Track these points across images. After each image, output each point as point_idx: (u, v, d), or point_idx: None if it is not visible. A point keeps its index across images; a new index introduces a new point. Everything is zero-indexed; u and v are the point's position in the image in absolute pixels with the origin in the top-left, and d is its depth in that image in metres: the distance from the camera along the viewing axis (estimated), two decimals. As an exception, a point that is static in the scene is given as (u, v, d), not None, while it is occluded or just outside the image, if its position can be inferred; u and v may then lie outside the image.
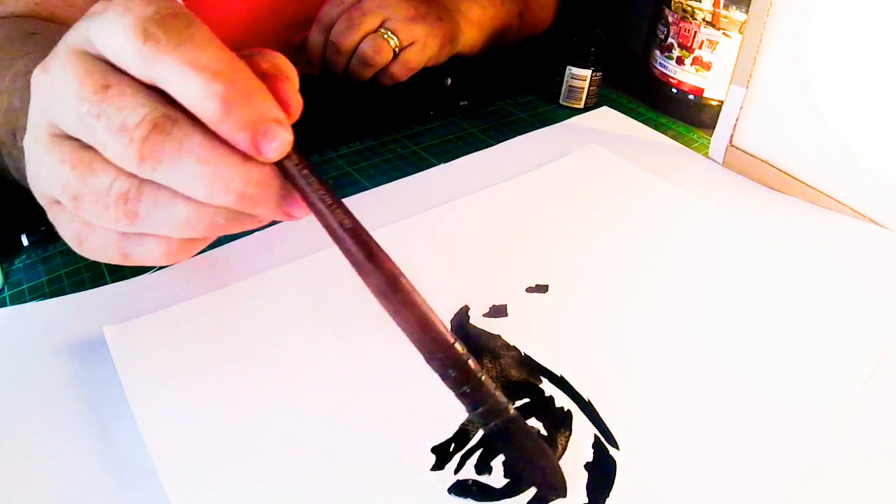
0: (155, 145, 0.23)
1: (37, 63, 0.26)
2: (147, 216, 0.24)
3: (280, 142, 0.24)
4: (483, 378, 0.27)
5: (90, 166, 0.24)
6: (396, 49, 0.54)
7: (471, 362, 0.27)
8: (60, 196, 0.25)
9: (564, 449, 0.32)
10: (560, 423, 0.33)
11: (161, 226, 0.25)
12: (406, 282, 0.27)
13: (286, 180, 0.25)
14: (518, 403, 0.34)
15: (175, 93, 0.23)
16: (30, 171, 0.27)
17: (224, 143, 0.23)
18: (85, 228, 0.26)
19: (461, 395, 0.27)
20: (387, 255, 0.27)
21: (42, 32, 0.45)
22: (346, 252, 0.26)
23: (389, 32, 0.54)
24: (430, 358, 0.27)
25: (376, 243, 0.27)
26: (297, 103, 0.25)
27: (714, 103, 0.62)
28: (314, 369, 0.35)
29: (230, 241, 0.45)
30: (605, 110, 0.65)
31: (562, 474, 0.30)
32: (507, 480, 0.31)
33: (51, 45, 0.26)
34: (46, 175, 0.25)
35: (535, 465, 0.30)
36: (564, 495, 0.30)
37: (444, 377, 0.27)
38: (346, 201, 0.50)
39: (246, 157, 0.24)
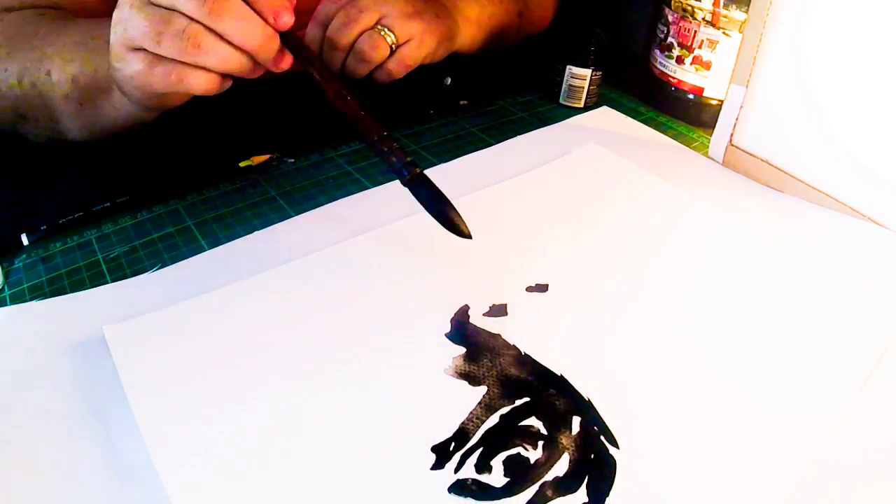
0: (218, 4, 0.38)
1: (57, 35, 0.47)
2: (205, 49, 0.38)
3: (284, 20, 0.40)
4: (401, 147, 0.42)
5: (173, 16, 0.38)
6: (393, 46, 0.54)
7: (395, 144, 0.42)
8: (146, 37, 0.38)
9: (564, 448, 0.32)
10: (560, 421, 0.33)
11: (210, 58, 0.39)
12: (350, 96, 0.43)
13: (284, 45, 0.41)
14: (518, 402, 0.34)
15: None
16: (118, 29, 0.39)
17: (256, 12, 0.39)
18: (156, 63, 0.39)
19: (389, 161, 0.42)
20: (348, 93, 0.42)
21: (50, 13, 0.54)
22: (316, 78, 0.42)
23: (386, 29, 0.54)
24: (370, 136, 0.42)
25: (338, 76, 0.45)
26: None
27: (714, 103, 0.62)
28: (314, 368, 0.35)
29: (230, 241, 0.45)
30: (604, 110, 0.65)
31: (459, 214, 0.41)
32: (507, 480, 0.31)
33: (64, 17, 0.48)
34: (137, 25, 0.38)
35: (441, 205, 0.41)
36: (468, 233, 0.40)
37: (379, 151, 0.42)
38: (347, 201, 0.50)
39: (265, 23, 0.39)
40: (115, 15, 0.40)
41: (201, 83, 0.40)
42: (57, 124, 0.51)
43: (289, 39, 0.41)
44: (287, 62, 0.42)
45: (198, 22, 0.38)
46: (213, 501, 0.29)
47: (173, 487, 0.29)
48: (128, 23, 0.39)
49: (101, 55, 0.45)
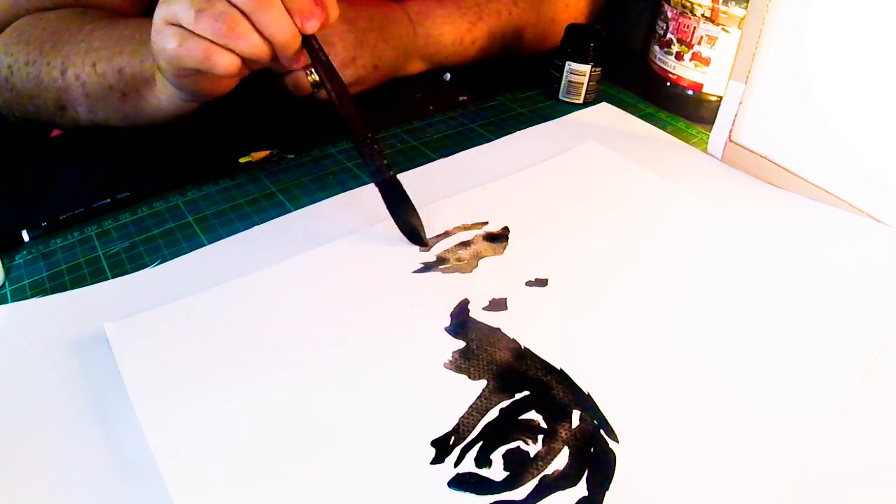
0: None
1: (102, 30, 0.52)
2: (238, 34, 0.41)
3: (311, 24, 0.43)
4: (381, 150, 0.44)
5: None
6: (313, 86, 0.56)
7: (377, 146, 0.44)
8: (187, 13, 0.41)
9: (564, 441, 0.32)
10: (559, 415, 0.34)
11: (240, 43, 0.41)
12: (349, 97, 0.44)
13: (304, 47, 0.44)
14: (518, 396, 0.34)
15: None
16: (164, 6, 0.42)
17: (287, 11, 0.42)
18: (189, 38, 0.41)
19: (368, 159, 0.44)
20: (344, 84, 0.45)
21: (91, 10, 0.57)
22: (323, 81, 0.44)
23: (312, 70, 0.55)
24: (355, 135, 0.44)
25: (340, 77, 0.45)
26: (332, 5, 0.44)
27: (713, 99, 0.62)
28: (315, 364, 0.36)
29: (230, 238, 0.45)
30: (604, 106, 0.65)
31: (419, 221, 0.44)
32: (507, 474, 0.31)
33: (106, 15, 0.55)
34: (181, 2, 0.41)
35: (405, 212, 0.44)
36: (424, 246, 0.44)
37: (361, 148, 0.44)
38: (347, 196, 0.50)
39: (294, 23, 0.42)
40: None
41: (226, 64, 0.42)
42: (96, 115, 0.54)
43: (309, 41, 0.44)
44: (300, 62, 0.45)
45: (237, 8, 0.41)
46: (214, 497, 0.29)
47: (175, 483, 0.29)
48: (174, 1, 0.42)
49: (148, 47, 0.46)
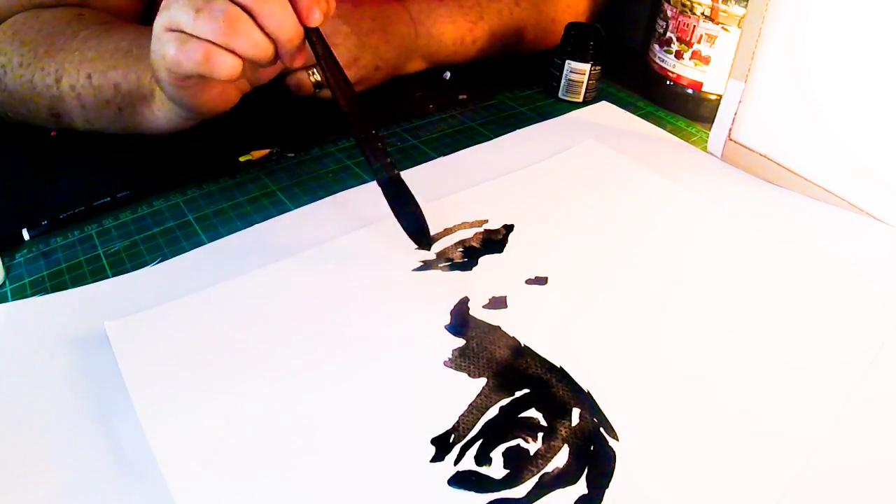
0: None
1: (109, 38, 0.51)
2: (239, 32, 0.39)
3: (315, 18, 0.41)
4: (384, 148, 0.43)
5: None
6: (315, 86, 0.57)
7: (380, 144, 0.43)
8: (185, 15, 0.39)
9: (564, 439, 0.32)
10: (559, 413, 0.34)
11: (241, 42, 0.40)
12: (353, 93, 0.43)
13: (307, 41, 0.42)
14: (518, 394, 0.34)
15: None
16: (163, 12, 0.41)
17: (290, 6, 0.40)
18: (188, 41, 0.40)
19: (370, 157, 0.43)
20: (348, 79, 0.43)
21: (87, 13, 0.56)
22: (327, 77, 0.43)
23: (314, 70, 0.57)
24: (358, 132, 0.43)
25: (343, 73, 0.43)
26: None
27: (713, 97, 0.62)
28: (315, 362, 0.36)
29: (230, 235, 0.45)
30: (603, 104, 0.65)
31: (425, 221, 0.43)
32: (507, 472, 0.31)
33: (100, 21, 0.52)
34: (181, 4, 0.40)
35: (410, 211, 0.43)
36: (428, 246, 0.44)
37: (364, 146, 0.43)
38: (347, 194, 0.51)
39: (297, 19, 0.40)
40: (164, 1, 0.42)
41: (227, 66, 0.40)
42: (92, 125, 0.53)
43: (311, 35, 0.42)
44: (301, 60, 0.43)
45: (237, 4, 0.39)
46: (214, 496, 0.29)
47: (175, 482, 0.29)
48: (173, 5, 0.40)
49: (145, 63, 0.45)
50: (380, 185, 0.43)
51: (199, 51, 0.40)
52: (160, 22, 0.41)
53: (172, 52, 0.41)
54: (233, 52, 0.40)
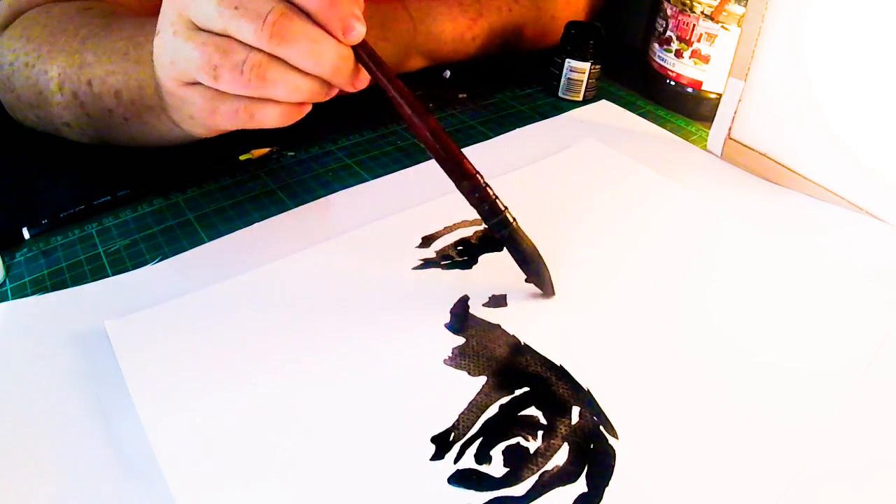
0: (282, 28, 0.32)
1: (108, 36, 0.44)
2: (272, 81, 0.33)
3: (357, 31, 0.34)
4: (497, 199, 0.37)
5: (229, 45, 0.33)
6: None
7: (488, 189, 0.37)
8: (200, 71, 0.33)
9: (564, 438, 0.32)
10: (559, 412, 0.34)
11: (279, 90, 0.34)
12: (443, 131, 0.36)
13: (357, 61, 0.35)
14: (518, 392, 0.34)
15: None
16: (164, 61, 0.35)
17: (324, 30, 0.33)
18: (218, 100, 0.35)
19: (482, 211, 0.37)
20: (429, 111, 0.37)
21: (95, 6, 0.51)
22: (401, 108, 0.36)
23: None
24: (460, 183, 0.37)
25: (421, 102, 0.37)
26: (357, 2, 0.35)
27: (712, 96, 0.62)
28: (315, 360, 0.36)
29: (231, 234, 0.45)
30: (603, 103, 0.65)
31: (548, 272, 0.39)
32: (507, 470, 0.31)
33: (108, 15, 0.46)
34: (188, 57, 0.33)
35: (532, 264, 0.39)
36: (552, 292, 0.40)
37: (471, 198, 0.37)
38: (347, 193, 0.50)
39: (337, 40, 0.33)
40: (156, 45, 0.35)
41: (275, 117, 0.36)
42: (102, 135, 0.49)
43: (362, 53, 0.35)
44: (364, 81, 0.37)
45: (259, 50, 0.33)
46: (215, 494, 0.29)
47: (176, 481, 0.29)
48: (176, 55, 0.34)
49: (146, 70, 0.41)
50: (498, 237, 0.38)
51: (237, 111, 0.35)
52: (168, 76, 0.35)
53: (203, 111, 0.35)
54: (275, 101, 0.35)
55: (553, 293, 0.40)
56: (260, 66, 0.33)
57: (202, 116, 0.36)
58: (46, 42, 0.48)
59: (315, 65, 0.34)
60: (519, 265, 0.39)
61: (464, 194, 0.37)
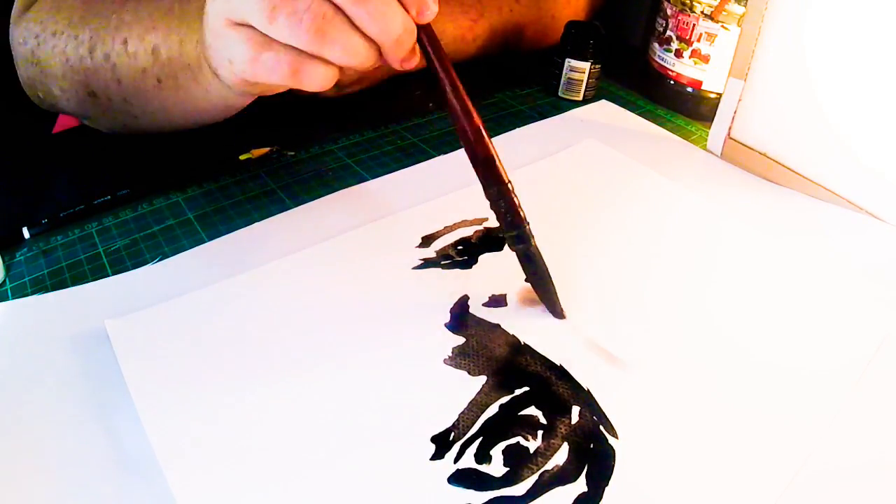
0: None
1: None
2: (332, 38, 0.31)
3: (432, 10, 0.33)
4: (522, 213, 0.36)
5: None
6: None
7: (515, 199, 0.35)
8: (257, 11, 0.30)
9: (563, 437, 0.32)
10: (559, 411, 0.34)
11: (335, 49, 0.31)
12: (487, 132, 0.35)
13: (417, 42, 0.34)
14: (518, 392, 0.34)
15: None
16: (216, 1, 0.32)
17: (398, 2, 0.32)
18: (265, 46, 0.32)
19: (504, 221, 0.36)
20: (475, 110, 0.35)
21: None
22: (448, 99, 0.34)
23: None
24: (488, 188, 0.36)
25: (468, 98, 0.35)
26: None
27: (712, 96, 0.62)
28: (315, 360, 0.36)
29: (231, 233, 0.45)
30: (603, 103, 0.65)
31: (557, 297, 0.38)
32: (507, 469, 0.31)
33: None
34: None
35: (545, 285, 0.38)
36: (562, 315, 0.39)
37: (495, 205, 0.36)
38: (347, 192, 0.50)
39: (407, 14, 0.32)
40: None
41: (319, 78, 0.33)
42: (130, 106, 0.46)
43: (423, 36, 0.34)
44: (414, 62, 0.35)
45: (328, 2, 0.31)
46: (215, 494, 0.29)
47: (176, 480, 0.29)
48: None
49: (190, 25, 0.38)
50: (515, 252, 0.38)
51: (282, 63, 0.32)
52: (218, 10, 0.33)
53: (244, 58, 0.33)
54: (325, 60, 0.32)
55: (563, 316, 0.39)
56: (323, 17, 0.30)
57: (242, 62, 0.33)
58: (80, 8, 0.46)
59: (381, 31, 0.31)
60: (532, 286, 0.39)
61: (488, 199, 0.36)
